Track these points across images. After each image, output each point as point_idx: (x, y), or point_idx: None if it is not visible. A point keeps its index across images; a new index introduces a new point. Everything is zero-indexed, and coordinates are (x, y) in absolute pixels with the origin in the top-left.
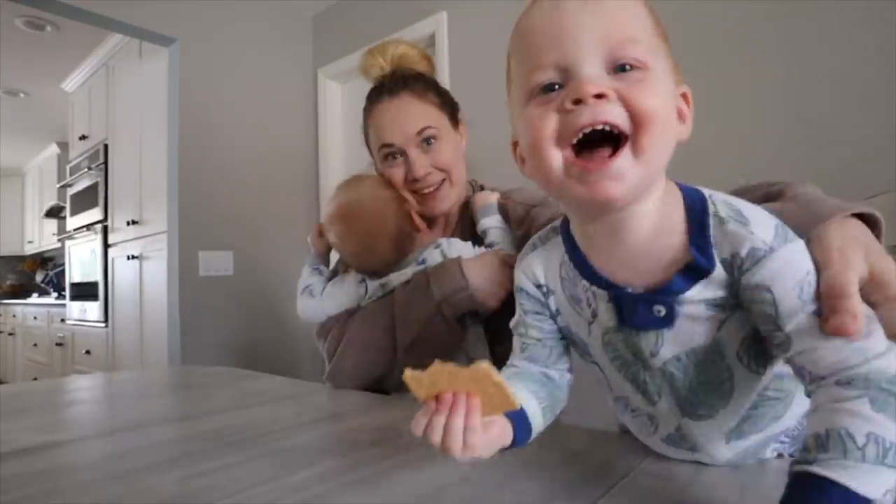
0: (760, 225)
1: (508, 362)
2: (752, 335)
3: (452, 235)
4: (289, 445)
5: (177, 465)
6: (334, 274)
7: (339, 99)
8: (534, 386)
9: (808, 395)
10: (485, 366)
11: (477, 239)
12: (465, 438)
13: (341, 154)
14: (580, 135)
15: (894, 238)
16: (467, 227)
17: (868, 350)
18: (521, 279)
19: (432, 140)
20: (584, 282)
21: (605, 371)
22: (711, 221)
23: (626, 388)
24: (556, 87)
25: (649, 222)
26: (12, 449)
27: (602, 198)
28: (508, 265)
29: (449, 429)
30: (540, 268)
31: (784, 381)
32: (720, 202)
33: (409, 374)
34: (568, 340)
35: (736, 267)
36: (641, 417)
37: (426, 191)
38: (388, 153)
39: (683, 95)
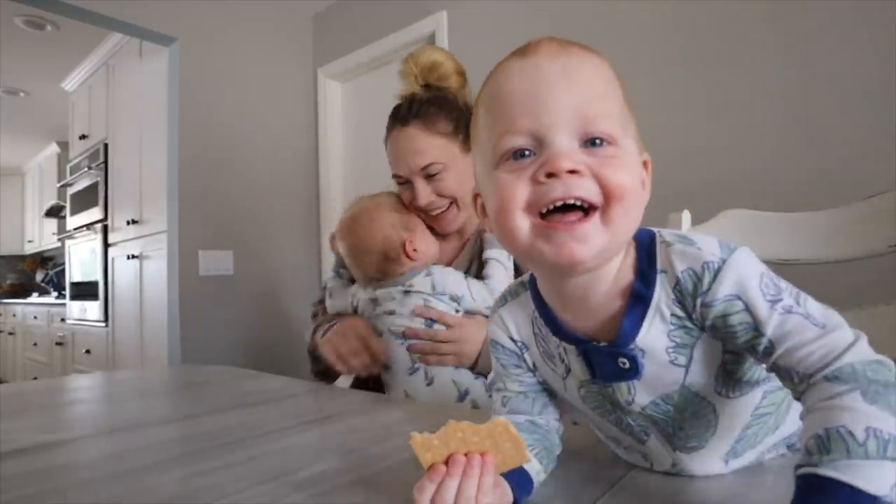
0: (705, 242)
1: (492, 415)
2: (721, 368)
3: (460, 257)
4: (289, 445)
5: (177, 465)
6: (336, 272)
7: (340, 98)
8: (525, 434)
9: (799, 397)
10: (502, 420)
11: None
12: (478, 501)
13: (341, 153)
14: (550, 206)
15: (894, 238)
16: (477, 254)
17: (844, 338)
18: (497, 333)
19: (436, 173)
20: (555, 338)
21: (589, 416)
22: (658, 249)
23: (613, 430)
24: (527, 152)
25: (612, 277)
26: (12, 449)
27: (567, 259)
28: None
29: (462, 492)
30: (512, 323)
31: (775, 394)
32: (666, 233)
33: (418, 439)
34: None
35: (693, 284)
36: (635, 454)
37: (434, 213)
38: (398, 181)
39: (644, 164)
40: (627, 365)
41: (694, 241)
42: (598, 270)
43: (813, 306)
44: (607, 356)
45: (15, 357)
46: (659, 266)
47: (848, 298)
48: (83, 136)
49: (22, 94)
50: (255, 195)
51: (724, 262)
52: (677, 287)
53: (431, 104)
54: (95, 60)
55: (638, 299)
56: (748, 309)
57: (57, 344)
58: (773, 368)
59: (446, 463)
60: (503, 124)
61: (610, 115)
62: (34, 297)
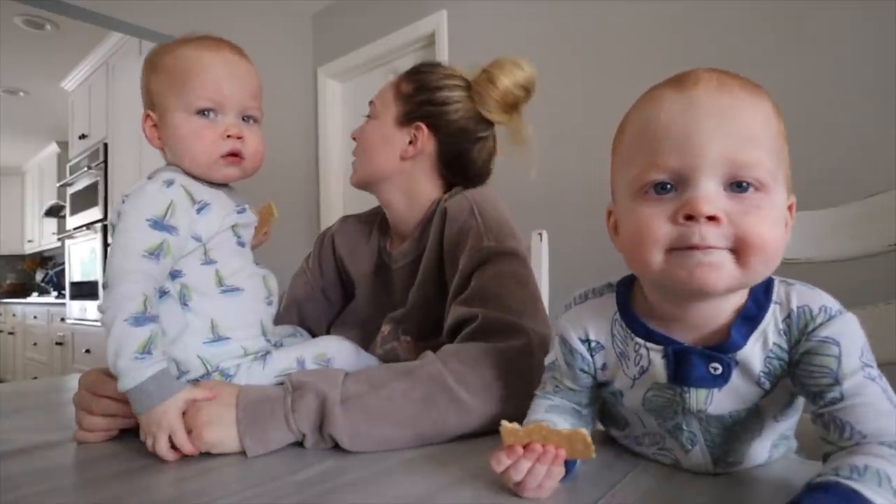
0: (826, 294)
1: (541, 393)
2: (785, 402)
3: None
4: (289, 445)
5: (176, 465)
6: None
7: (340, 97)
8: (571, 419)
9: (827, 455)
10: (583, 431)
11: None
12: (542, 482)
13: (341, 153)
14: (684, 247)
15: (893, 237)
16: (434, 240)
17: None
18: (569, 333)
19: (367, 115)
20: (638, 339)
21: (638, 414)
22: (776, 284)
23: (659, 431)
24: (669, 186)
25: (732, 306)
26: (12, 448)
27: (699, 284)
28: None
29: (532, 471)
30: (591, 322)
31: (794, 420)
32: (782, 278)
33: (508, 427)
34: (602, 389)
35: (805, 320)
36: (667, 458)
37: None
38: None
39: (789, 207)
40: (719, 371)
41: (817, 289)
42: (720, 304)
43: (890, 389)
44: (700, 358)
45: (15, 357)
46: (774, 297)
47: (848, 298)
48: (83, 136)
49: (22, 94)
50: (253, 194)
51: (841, 313)
52: (788, 318)
53: (413, 72)
54: (95, 60)
55: (747, 319)
56: (839, 357)
57: (57, 343)
58: (826, 418)
59: (525, 447)
60: (648, 157)
61: (761, 162)
62: (34, 297)
